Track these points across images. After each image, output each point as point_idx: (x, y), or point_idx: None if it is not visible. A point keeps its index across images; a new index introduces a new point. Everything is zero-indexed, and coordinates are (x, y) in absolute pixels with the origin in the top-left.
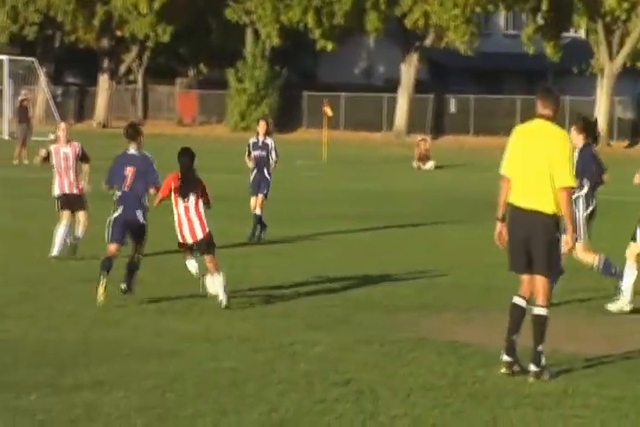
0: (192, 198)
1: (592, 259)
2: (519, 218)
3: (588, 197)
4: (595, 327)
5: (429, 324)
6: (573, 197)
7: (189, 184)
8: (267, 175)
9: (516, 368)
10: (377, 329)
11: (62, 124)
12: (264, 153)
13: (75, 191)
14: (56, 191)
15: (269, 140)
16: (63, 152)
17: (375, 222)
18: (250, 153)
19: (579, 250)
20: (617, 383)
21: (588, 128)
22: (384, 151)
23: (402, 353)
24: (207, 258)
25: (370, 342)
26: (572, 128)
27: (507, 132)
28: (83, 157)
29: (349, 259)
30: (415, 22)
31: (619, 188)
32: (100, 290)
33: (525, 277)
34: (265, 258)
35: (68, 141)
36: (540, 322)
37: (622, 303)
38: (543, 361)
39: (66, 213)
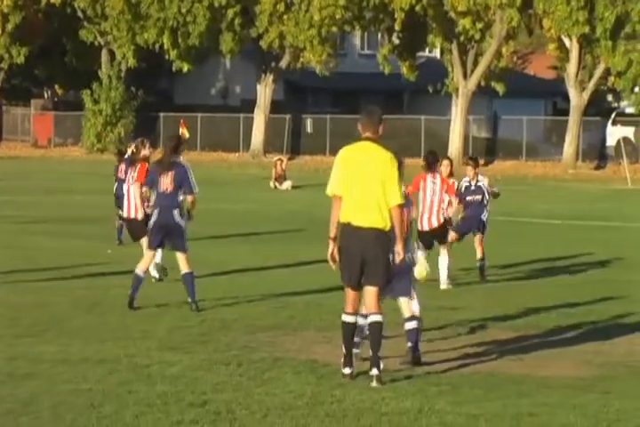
0: None
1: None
2: (355, 235)
3: None
4: (453, 345)
5: (287, 343)
6: None
7: None
8: None
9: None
10: (234, 349)
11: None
12: None
13: None
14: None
15: None
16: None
17: (231, 242)
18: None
19: None
20: (473, 401)
21: None
22: (241, 171)
23: (258, 373)
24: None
25: (227, 363)
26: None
27: None
28: None
29: (203, 279)
30: (271, 43)
31: None
32: None
33: (352, 293)
34: (125, 279)
35: None
36: (379, 329)
37: None
38: (382, 366)
39: None
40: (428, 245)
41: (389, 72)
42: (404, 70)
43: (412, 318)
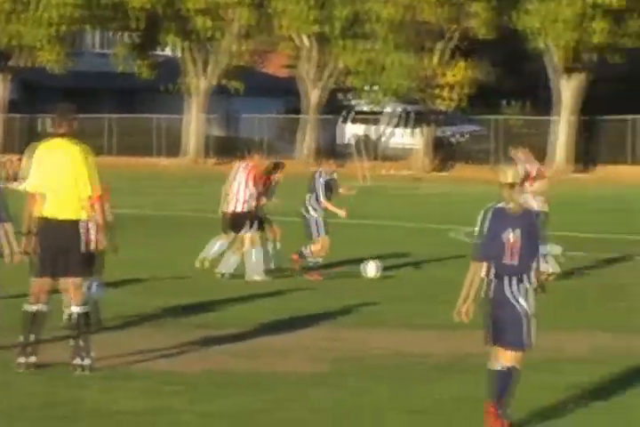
0: None
1: None
2: (53, 228)
3: None
4: (191, 343)
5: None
6: None
7: None
8: None
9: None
10: None
11: None
12: None
13: None
14: None
15: None
16: None
17: None
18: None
19: None
20: (208, 399)
21: None
22: None
23: None
24: None
25: None
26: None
27: (99, 151)
28: None
29: None
30: (8, 42)
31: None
32: None
33: (40, 284)
34: None
35: None
36: (83, 319)
37: None
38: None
39: None
40: (225, 230)
41: (125, 71)
42: (140, 69)
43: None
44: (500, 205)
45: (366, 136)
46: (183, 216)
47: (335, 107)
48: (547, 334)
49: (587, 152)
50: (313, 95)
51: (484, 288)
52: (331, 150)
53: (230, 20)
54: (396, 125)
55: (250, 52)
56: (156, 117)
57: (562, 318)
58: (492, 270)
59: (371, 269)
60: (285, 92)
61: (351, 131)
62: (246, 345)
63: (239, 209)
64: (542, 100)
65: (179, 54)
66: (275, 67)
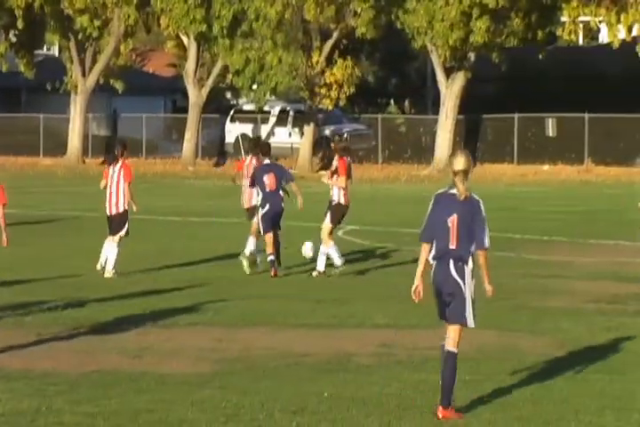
0: None
1: None
2: None
3: None
4: (72, 344)
5: None
6: None
7: None
8: None
9: None
10: None
11: None
12: None
13: None
14: None
15: None
16: None
17: None
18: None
19: None
20: (91, 400)
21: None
22: None
23: None
24: None
25: None
26: None
27: None
28: None
29: None
30: None
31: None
32: None
33: None
34: None
35: None
36: None
37: None
38: None
39: None
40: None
41: (7, 70)
42: (22, 68)
43: None
44: (447, 190)
45: (245, 135)
46: (66, 216)
47: (223, 106)
48: (431, 333)
49: (469, 151)
50: (197, 94)
51: (431, 269)
52: (218, 149)
53: (112, 19)
54: (277, 124)
55: (134, 51)
56: (42, 116)
57: None
58: (434, 253)
59: (307, 248)
60: (169, 91)
61: (233, 130)
62: (131, 345)
63: (121, 210)
64: (426, 99)
65: (57, 53)
66: (157, 66)
